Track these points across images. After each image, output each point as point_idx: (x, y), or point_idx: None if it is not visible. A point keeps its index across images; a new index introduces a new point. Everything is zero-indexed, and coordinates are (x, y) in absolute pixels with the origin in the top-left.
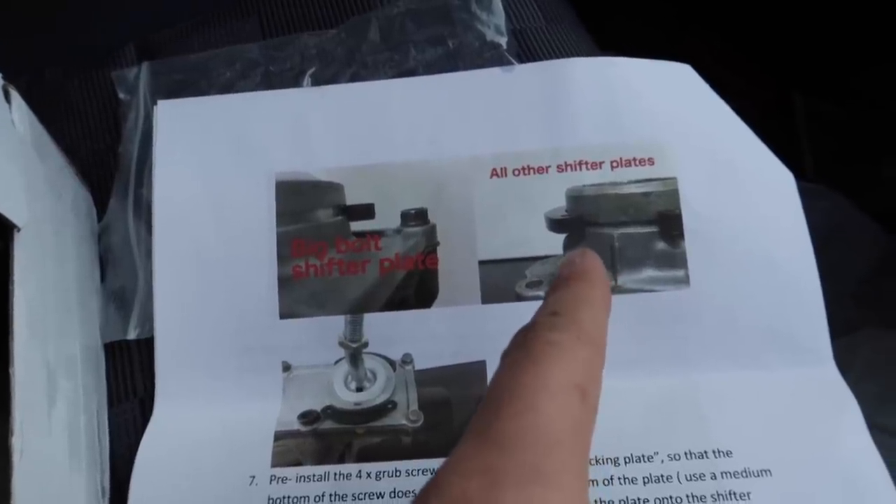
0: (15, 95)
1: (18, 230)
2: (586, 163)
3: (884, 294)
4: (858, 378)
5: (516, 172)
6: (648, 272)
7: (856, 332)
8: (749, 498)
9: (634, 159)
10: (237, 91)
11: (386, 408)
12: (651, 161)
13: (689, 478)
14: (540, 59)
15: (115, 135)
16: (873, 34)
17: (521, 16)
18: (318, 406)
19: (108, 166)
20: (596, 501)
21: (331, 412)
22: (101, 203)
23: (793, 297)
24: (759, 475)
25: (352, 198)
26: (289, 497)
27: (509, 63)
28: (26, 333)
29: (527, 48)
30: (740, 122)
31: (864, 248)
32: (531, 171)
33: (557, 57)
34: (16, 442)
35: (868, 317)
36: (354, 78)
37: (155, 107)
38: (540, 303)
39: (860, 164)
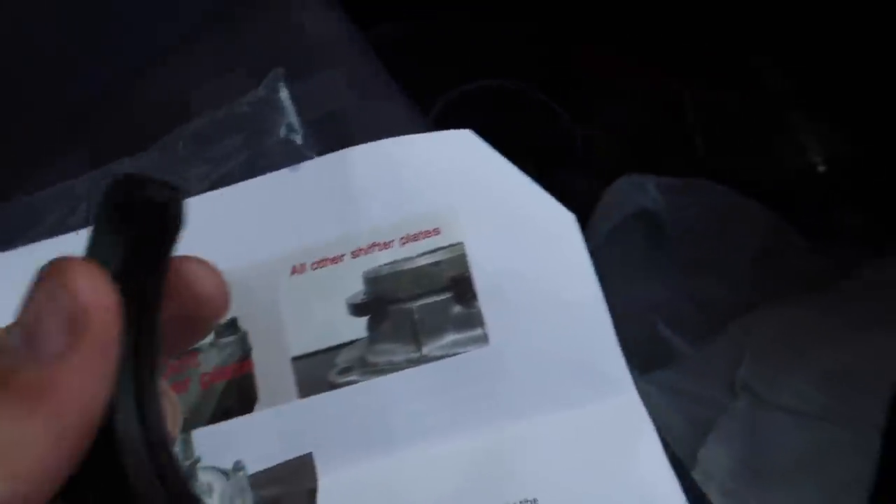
0: None
1: None
2: (377, 244)
3: (776, 270)
4: (751, 361)
5: (314, 266)
6: (449, 337)
7: (748, 314)
8: None
9: (421, 232)
10: (67, 228)
11: None
12: (437, 231)
13: None
14: (354, 138)
15: None
16: (749, 23)
17: (334, 98)
18: None
19: None
20: None
21: None
22: None
23: (586, 332)
24: None
25: None
26: None
27: (308, 157)
28: None
29: (341, 129)
30: (522, 176)
31: (756, 230)
32: (328, 261)
33: (371, 134)
34: None
35: (764, 294)
36: None
37: None
38: (352, 388)
39: (750, 147)
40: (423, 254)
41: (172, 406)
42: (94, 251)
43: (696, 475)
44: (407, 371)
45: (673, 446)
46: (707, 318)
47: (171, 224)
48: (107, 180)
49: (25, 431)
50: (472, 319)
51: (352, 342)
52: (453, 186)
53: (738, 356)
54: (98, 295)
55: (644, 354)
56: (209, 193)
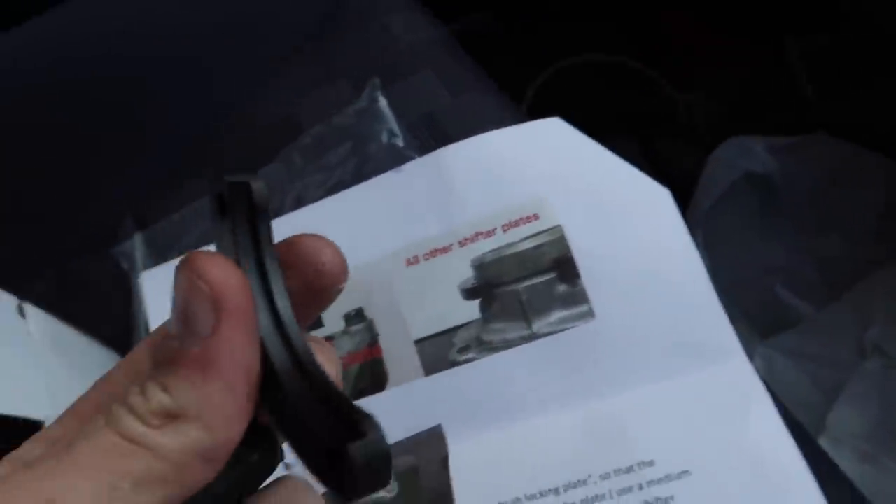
0: (29, 308)
1: (44, 422)
2: (481, 233)
3: None
4: (883, 321)
5: (426, 257)
6: (556, 314)
7: (875, 273)
8: (674, 500)
9: (521, 218)
10: (208, 240)
11: None
12: (536, 216)
13: (619, 492)
14: (450, 135)
15: (127, 301)
16: None
17: (428, 99)
18: None
19: (127, 330)
20: None
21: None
22: None
23: (689, 303)
24: (679, 477)
25: None
26: None
27: (410, 158)
28: None
29: (437, 129)
30: (611, 156)
31: (878, 183)
32: (438, 252)
33: (466, 129)
34: None
35: (891, 251)
36: (298, 200)
37: (138, 279)
38: (471, 365)
39: (862, 90)
40: (525, 238)
41: (325, 350)
42: (217, 244)
43: (826, 440)
44: (520, 347)
45: (799, 411)
46: (829, 279)
47: (257, 199)
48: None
49: (207, 393)
50: (577, 297)
51: (467, 323)
52: (547, 172)
53: (866, 317)
54: (227, 277)
55: (765, 319)
56: (326, 199)
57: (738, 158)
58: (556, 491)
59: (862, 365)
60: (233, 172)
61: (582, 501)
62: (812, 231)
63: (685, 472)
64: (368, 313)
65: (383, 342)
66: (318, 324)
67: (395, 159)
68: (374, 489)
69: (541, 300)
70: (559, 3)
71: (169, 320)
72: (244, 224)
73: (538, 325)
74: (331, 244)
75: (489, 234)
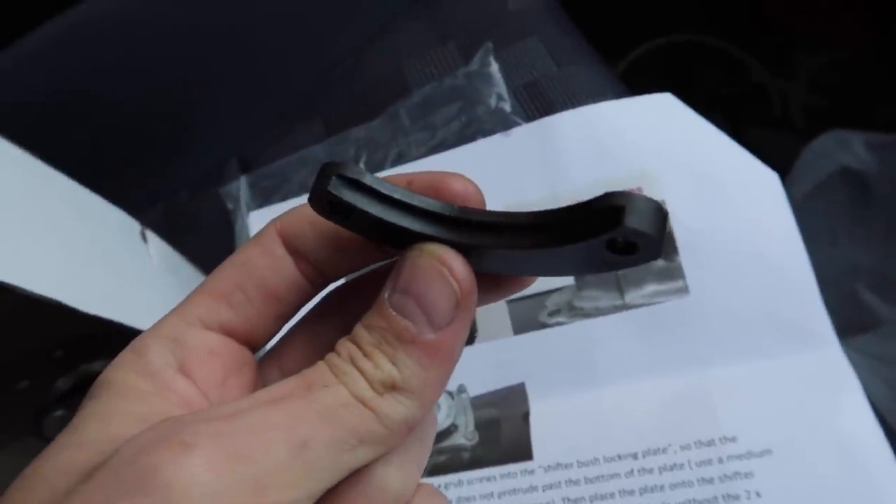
0: (150, 235)
1: None
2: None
3: None
4: None
5: None
6: (651, 287)
7: None
8: (753, 476)
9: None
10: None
11: (450, 430)
12: (640, 189)
13: (698, 464)
14: (553, 104)
15: (230, 237)
16: None
17: (534, 67)
18: None
19: None
20: (620, 492)
21: None
22: None
23: (788, 287)
24: (760, 455)
25: None
26: None
27: (516, 123)
28: None
29: (540, 96)
30: (722, 136)
31: None
32: None
33: (569, 99)
34: None
35: None
36: (398, 157)
37: (248, 218)
38: (560, 329)
39: None
40: None
41: None
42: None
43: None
44: (611, 316)
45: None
46: None
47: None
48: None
49: (431, 374)
50: (673, 272)
51: (560, 288)
52: (654, 147)
53: None
54: (470, 281)
55: (844, 318)
56: (432, 157)
57: (834, 152)
58: (634, 456)
59: None
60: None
61: (660, 468)
62: None
63: (767, 451)
64: None
65: None
66: None
67: (501, 123)
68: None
69: (636, 272)
70: None
71: (391, 296)
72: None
73: (631, 297)
74: (468, 180)
75: None
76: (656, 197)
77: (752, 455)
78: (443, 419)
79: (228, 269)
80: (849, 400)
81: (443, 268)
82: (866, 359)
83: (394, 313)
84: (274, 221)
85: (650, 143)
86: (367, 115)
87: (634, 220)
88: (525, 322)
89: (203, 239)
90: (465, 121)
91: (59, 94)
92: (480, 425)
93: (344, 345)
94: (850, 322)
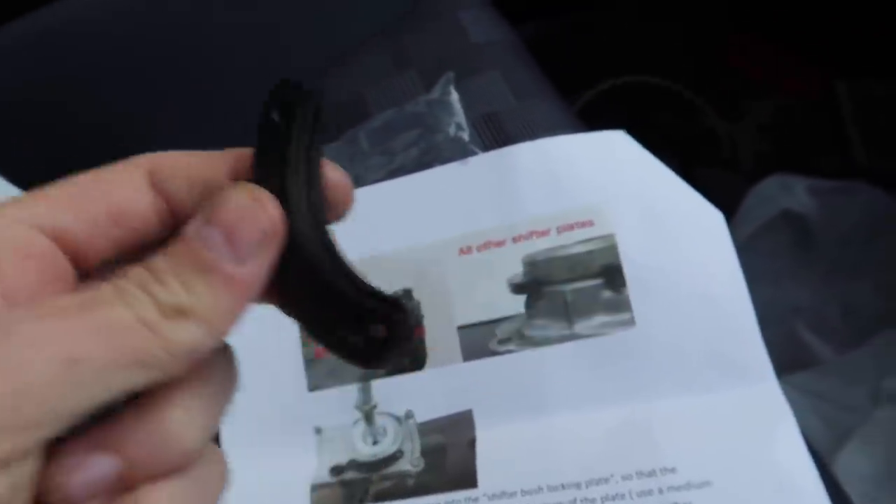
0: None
1: None
2: (536, 232)
3: None
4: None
5: (479, 248)
6: (599, 318)
7: (892, 328)
8: None
9: (577, 223)
10: None
11: (395, 456)
12: (591, 222)
13: (639, 494)
14: (511, 136)
15: None
16: None
17: (493, 98)
18: (343, 460)
19: None
20: None
21: (354, 464)
22: None
23: (729, 324)
24: (700, 487)
25: None
26: None
27: (473, 153)
28: None
29: (498, 128)
30: (672, 175)
31: None
32: (491, 245)
33: (527, 132)
34: None
35: None
36: (356, 181)
37: None
38: (509, 357)
39: None
40: (578, 242)
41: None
42: (265, 139)
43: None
44: (559, 345)
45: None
46: (853, 325)
47: (318, 108)
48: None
49: (223, 303)
50: (621, 304)
51: (511, 317)
52: (607, 182)
53: (884, 366)
54: (280, 223)
55: (784, 356)
56: (389, 181)
57: (778, 195)
58: (577, 485)
59: (875, 412)
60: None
61: (602, 498)
62: (842, 276)
63: (706, 483)
64: (416, 294)
65: (427, 324)
66: None
67: (459, 152)
68: (401, 356)
69: (585, 303)
70: (622, 20)
71: (199, 227)
72: (306, 133)
73: (580, 327)
74: (340, 169)
75: (543, 233)
76: (608, 230)
77: (691, 486)
78: (388, 445)
79: (85, 178)
80: (784, 434)
81: (257, 205)
82: (804, 396)
83: (198, 243)
84: (144, 156)
85: (603, 177)
86: (326, 139)
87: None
88: (475, 349)
89: None
90: (424, 147)
91: (22, 94)
92: (427, 452)
93: (135, 270)
94: (789, 360)
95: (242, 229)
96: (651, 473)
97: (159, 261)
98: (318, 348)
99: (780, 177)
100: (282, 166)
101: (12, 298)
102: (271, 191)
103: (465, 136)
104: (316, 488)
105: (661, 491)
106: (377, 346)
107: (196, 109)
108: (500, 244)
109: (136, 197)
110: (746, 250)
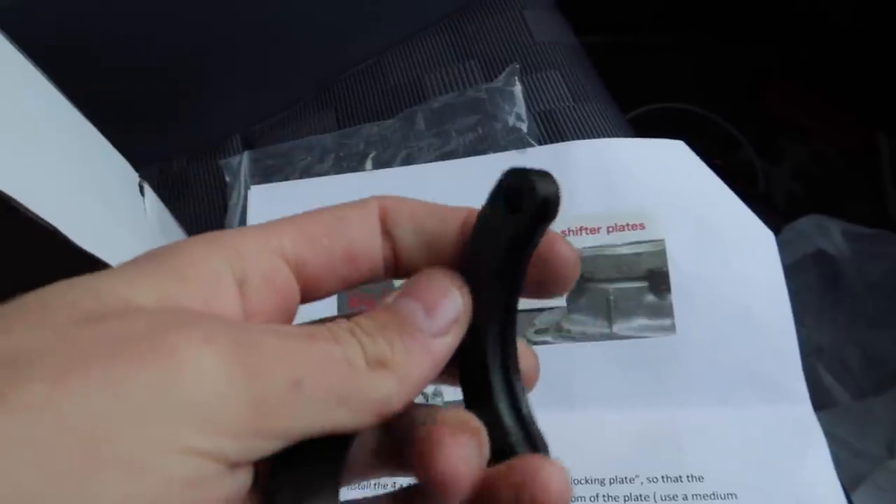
0: (147, 189)
1: None
2: (586, 228)
3: None
4: None
5: None
6: (639, 321)
7: None
8: None
9: (627, 224)
10: (314, 173)
11: None
12: (642, 226)
13: (663, 497)
14: (566, 135)
15: (222, 210)
16: None
17: (551, 97)
18: None
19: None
20: None
21: None
22: None
23: (770, 342)
24: (725, 498)
25: None
26: None
27: (529, 145)
28: None
29: (554, 126)
30: (727, 190)
31: None
32: None
33: (582, 133)
34: None
35: None
36: (407, 159)
37: (248, 191)
38: (545, 348)
39: None
40: (626, 244)
41: (528, 355)
42: (487, 223)
43: None
44: (597, 342)
45: None
46: (875, 374)
47: (549, 212)
48: (506, 170)
49: (418, 367)
50: (663, 310)
51: (551, 308)
52: (660, 189)
53: None
54: (469, 305)
55: None
56: (443, 162)
57: (814, 234)
58: (601, 482)
59: (887, 461)
60: (534, 172)
61: (625, 497)
62: (865, 324)
63: (732, 495)
64: None
65: None
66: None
67: (515, 142)
68: None
69: (628, 304)
70: (673, 47)
71: (400, 298)
72: (523, 228)
73: (619, 327)
74: (569, 244)
75: (594, 231)
76: (658, 235)
77: (717, 497)
78: None
79: (325, 215)
80: (815, 459)
81: (454, 286)
82: None
83: (400, 309)
84: (376, 198)
85: (657, 184)
86: (381, 115)
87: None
88: None
89: (194, 205)
90: (481, 133)
91: (71, 34)
92: None
93: (345, 321)
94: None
95: (442, 308)
96: (678, 479)
97: (365, 320)
98: None
99: (817, 217)
100: (491, 259)
101: (250, 315)
102: (474, 281)
103: (524, 127)
104: None
105: (685, 497)
106: None
107: (255, 73)
108: None
109: (369, 239)
110: None
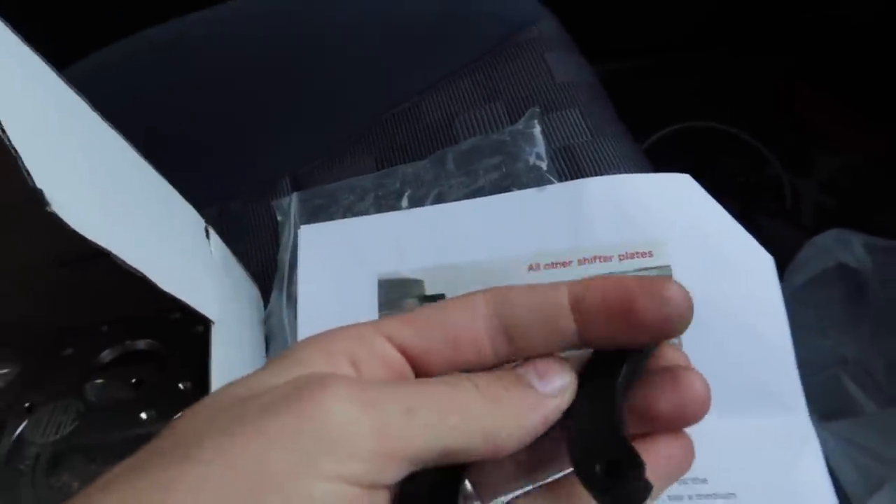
0: (212, 232)
1: (214, 323)
2: (600, 257)
3: None
4: None
5: (547, 266)
6: None
7: None
8: None
9: (637, 252)
10: (356, 211)
11: None
12: (650, 253)
13: (670, 497)
14: (583, 169)
15: (274, 247)
16: None
17: (570, 133)
18: None
19: (270, 270)
20: None
21: None
22: (265, 297)
23: (769, 357)
24: (725, 497)
25: (430, 289)
26: None
27: (549, 181)
28: (219, 384)
29: (573, 161)
30: (728, 217)
31: None
32: (558, 265)
33: (598, 166)
34: None
35: None
36: (439, 197)
37: (298, 230)
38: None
39: None
40: (636, 270)
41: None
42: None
43: None
44: None
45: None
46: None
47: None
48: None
49: (526, 413)
50: None
51: None
52: (667, 219)
53: None
54: (574, 380)
55: (826, 404)
56: (471, 200)
57: (835, 248)
58: None
59: None
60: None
61: None
62: (890, 334)
63: (731, 494)
64: None
65: None
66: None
67: (536, 180)
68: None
69: None
70: (699, 66)
71: (518, 365)
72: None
73: None
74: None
75: (606, 259)
76: (664, 262)
77: (717, 496)
78: None
79: (429, 308)
80: (809, 462)
81: (562, 364)
82: (841, 443)
83: (516, 369)
84: (484, 292)
85: (665, 214)
86: (415, 156)
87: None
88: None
89: (250, 243)
90: (504, 172)
91: (140, 98)
92: None
93: (466, 375)
94: (831, 408)
95: (553, 374)
96: (683, 481)
97: (483, 374)
98: None
99: (839, 231)
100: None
101: None
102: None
103: (544, 165)
104: None
105: (690, 497)
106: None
107: (301, 119)
108: (565, 265)
109: (470, 324)
110: (797, 299)
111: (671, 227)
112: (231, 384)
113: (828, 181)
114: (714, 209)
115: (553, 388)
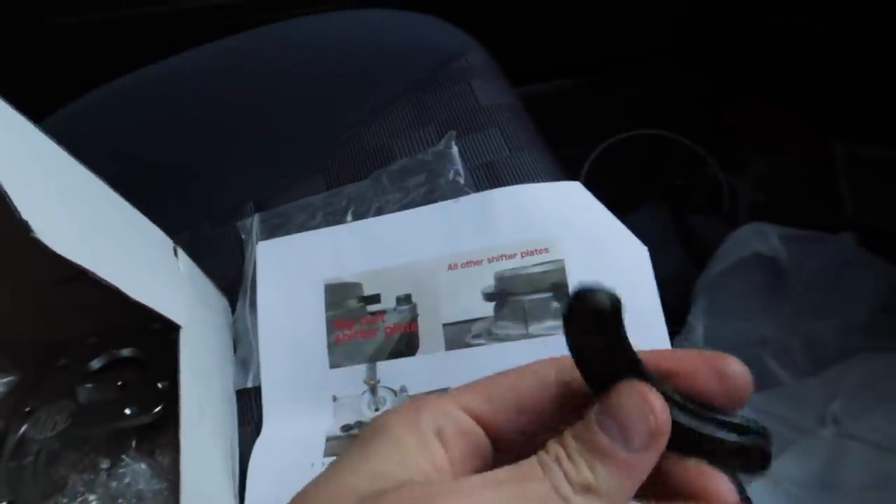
0: (180, 251)
1: (182, 328)
2: (505, 255)
3: (891, 326)
4: (844, 397)
5: (463, 266)
6: (548, 323)
7: (846, 360)
8: None
9: (536, 249)
10: (307, 227)
11: None
12: (546, 250)
13: None
14: (503, 180)
15: (240, 261)
16: None
17: (491, 149)
18: (352, 420)
19: (236, 282)
20: None
21: (359, 424)
22: (232, 305)
23: (645, 331)
24: None
25: (367, 290)
26: None
27: (465, 193)
28: (190, 382)
29: (494, 175)
30: (609, 215)
31: (880, 287)
32: (472, 264)
33: (517, 178)
34: (182, 437)
35: (874, 344)
36: (378, 210)
37: (256, 246)
38: (480, 349)
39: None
40: (535, 265)
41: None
42: (582, 351)
43: (765, 481)
44: (518, 342)
45: None
46: (812, 357)
47: (616, 319)
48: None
49: (622, 486)
50: None
51: (483, 318)
52: (560, 221)
53: (833, 392)
54: (666, 422)
55: None
56: (402, 212)
57: (752, 240)
58: None
59: (817, 430)
60: (584, 288)
61: None
62: (806, 315)
63: None
64: (414, 298)
65: (420, 321)
66: (377, 300)
67: (456, 192)
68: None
69: (539, 311)
70: (648, 79)
71: (599, 415)
72: (605, 336)
73: (534, 328)
74: (743, 367)
75: (510, 256)
76: (559, 256)
77: None
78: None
79: (499, 378)
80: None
81: (645, 405)
82: (756, 414)
83: (598, 430)
84: (555, 361)
85: (559, 216)
86: (359, 177)
87: None
88: (455, 341)
89: (220, 261)
90: (430, 187)
91: (116, 137)
92: None
93: (553, 446)
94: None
95: (634, 426)
96: None
97: (570, 441)
98: (339, 335)
99: (756, 224)
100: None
101: (452, 460)
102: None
103: (462, 180)
104: (330, 439)
105: None
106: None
107: (262, 150)
108: (478, 263)
109: (538, 391)
110: (717, 286)
111: (564, 227)
112: (355, 473)
113: (760, 180)
114: (600, 210)
115: (641, 442)
